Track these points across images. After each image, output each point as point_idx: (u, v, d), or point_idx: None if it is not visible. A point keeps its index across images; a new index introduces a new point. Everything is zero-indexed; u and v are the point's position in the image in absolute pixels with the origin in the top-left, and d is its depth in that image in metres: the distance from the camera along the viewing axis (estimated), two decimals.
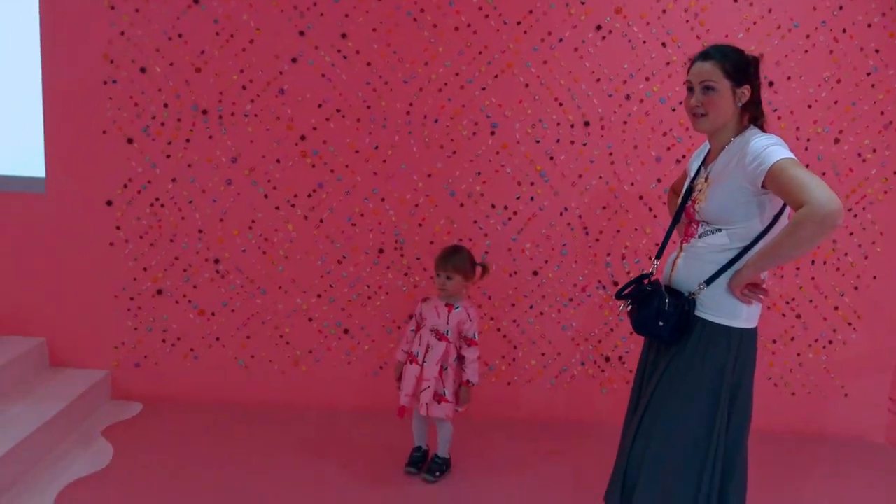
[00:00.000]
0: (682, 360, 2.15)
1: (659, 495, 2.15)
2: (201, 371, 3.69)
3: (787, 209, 2.08)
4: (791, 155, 1.97)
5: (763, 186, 1.98)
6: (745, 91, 2.12)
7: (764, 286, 2.12)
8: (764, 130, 2.18)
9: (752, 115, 2.19)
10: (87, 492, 2.88)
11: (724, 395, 2.11)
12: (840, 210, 1.84)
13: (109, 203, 3.52)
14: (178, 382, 3.70)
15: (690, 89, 2.18)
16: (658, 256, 2.38)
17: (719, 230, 2.13)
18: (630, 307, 2.29)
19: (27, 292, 3.60)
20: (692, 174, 2.33)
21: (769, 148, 1.99)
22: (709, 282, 2.11)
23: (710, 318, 2.12)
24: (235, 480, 3.04)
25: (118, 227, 3.54)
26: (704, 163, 2.28)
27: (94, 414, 3.53)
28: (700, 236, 2.20)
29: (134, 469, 3.07)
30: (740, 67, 2.11)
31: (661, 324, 2.14)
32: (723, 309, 2.11)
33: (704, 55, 2.14)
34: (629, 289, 2.29)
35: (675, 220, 2.36)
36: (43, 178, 3.51)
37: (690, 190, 2.29)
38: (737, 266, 2.09)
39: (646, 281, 2.27)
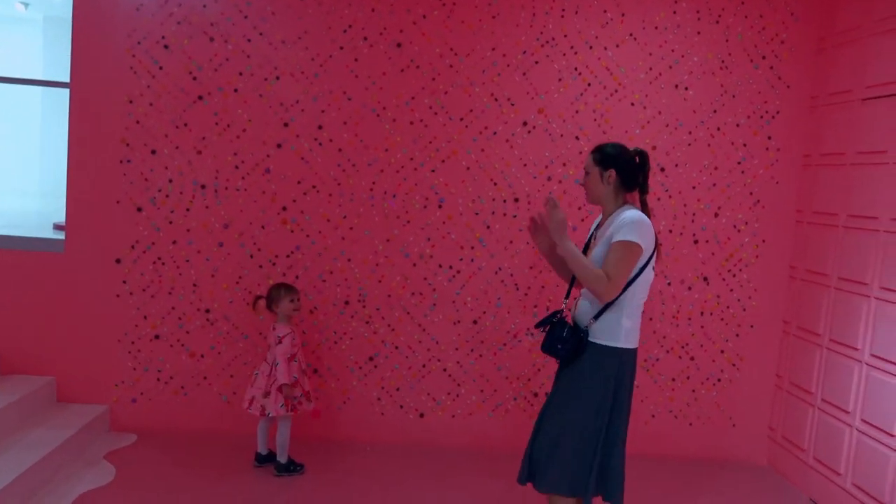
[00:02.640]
0: (578, 373, 2.86)
1: (561, 469, 2.83)
2: (189, 406, 4.29)
3: (646, 271, 2.79)
4: (634, 239, 2.69)
5: None
6: (611, 174, 2.82)
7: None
8: (644, 205, 2.88)
9: (641, 193, 2.88)
10: (98, 500, 3.45)
11: (608, 396, 2.82)
12: (612, 294, 2.69)
13: (118, 261, 4.18)
14: (169, 416, 4.29)
15: None
16: (566, 297, 3.08)
17: None
18: (543, 332, 2.99)
19: (41, 337, 4.20)
20: (589, 236, 3.08)
21: (626, 226, 2.71)
22: (596, 317, 2.83)
23: (597, 342, 2.84)
24: (216, 495, 3.64)
25: (124, 282, 4.20)
26: (597, 227, 3.01)
27: (96, 442, 4.09)
28: None
29: (134, 483, 3.65)
30: (606, 156, 2.85)
31: (559, 346, 2.87)
32: (605, 335, 2.83)
33: (592, 150, 2.94)
34: (546, 320, 2.99)
35: None
36: (62, 240, 4.17)
37: (586, 248, 3.02)
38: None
39: (558, 316, 2.96)
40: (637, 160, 2.90)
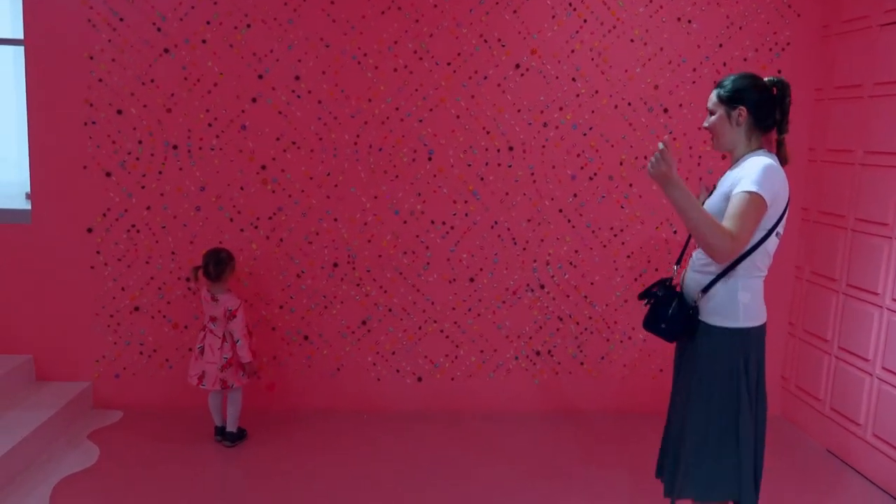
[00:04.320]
0: (694, 361, 2.48)
1: (697, 473, 2.48)
2: (176, 379, 4.08)
3: (770, 238, 2.37)
4: (755, 190, 2.26)
5: None
6: (741, 112, 2.40)
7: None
8: (781, 147, 2.46)
9: (778, 132, 2.45)
10: (80, 485, 3.27)
11: (731, 386, 2.40)
12: (734, 255, 2.28)
13: (90, 230, 3.93)
14: (155, 390, 4.09)
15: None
16: (678, 262, 2.70)
17: None
18: (647, 305, 2.59)
19: (14, 313, 3.97)
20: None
21: (749, 174, 2.30)
22: (705, 290, 2.41)
23: (710, 322, 2.42)
24: (208, 474, 3.46)
25: (98, 252, 3.95)
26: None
27: (79, 421, 3.90)
28: (698, 247, 2.44)
29: (120, 465, 3.47)
30: (733, 92, 2.41)
31: (663, 326, 2.48)
32: (719, 314, 2.41)
33: (716, 84, 2.50)
34: (650, 290, 2.59)
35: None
36: (29, 210, 3.91)
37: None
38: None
39: (667, 284, 2.55)
40: (774, 92, 2.45)
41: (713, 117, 2.49)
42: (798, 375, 4.20)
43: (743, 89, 2.43)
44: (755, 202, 2.28)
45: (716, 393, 2.45)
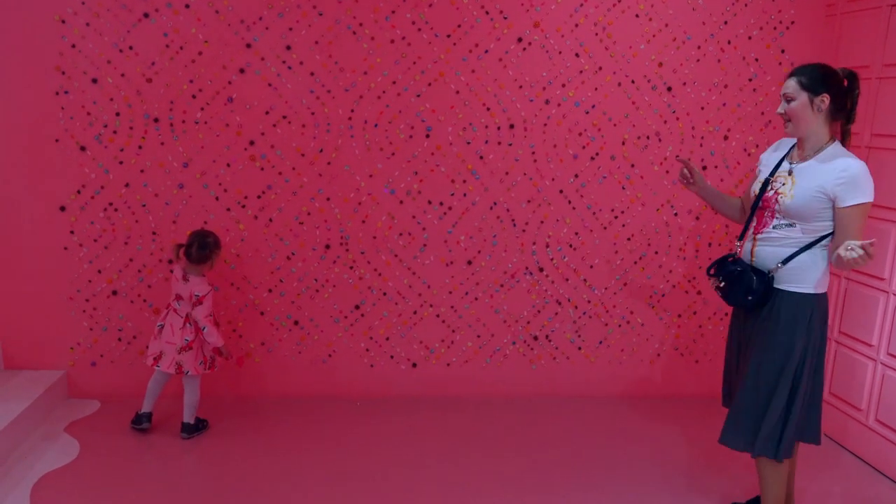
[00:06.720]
0: (770, 327, 2.67)
1: (765, 431, 2.68)
2: None
3: None
4: (869, 200, 2.51)
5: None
6: (824, 99, 2.54)
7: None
8: (847, 135, 2.66)
9: (845, 122, 2.66)
10: (64, 481, 3.06)
11: (801, 349, 2.62)
12: None
13: (63, 209, 3.66)
14: (134, 378, 3.84)
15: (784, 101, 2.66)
16: (741, 238, 2.83)
17: (793, 225, 2.61)
18: (722, 283, 2.77)
19: None
20: (771, 168, 2.76)
21: (857, 185, 2.49)
22: (785, 262, 2.62)
23: (790, 289, 2.64)
24: (194, 465, 3.28)
25: (72, 232, 3.68)
26: (788, 158, 2.72)
27: (55, 412, 3.67)
28: (774, 227, 2.66)
29: (103, 457, 3.26)
30: (816, 79, 2.55)
31: (749, 298, 2.67)
32: (798, 281, 2.62)
33: (790, 73, 2.63)
34: (715, 268, 2.83)
35: (754, 208, 2.78)
36: None
37: (768, 182, 2.72)
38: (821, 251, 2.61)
39: (730, 259, 2.77)
40: (846, 83, 2.61)
41: (794, 103, 2.59)
42: None
43: (824, 77, 2.57)
44: (867, 211, 2.54)
45: (781, 353, 2.64)
